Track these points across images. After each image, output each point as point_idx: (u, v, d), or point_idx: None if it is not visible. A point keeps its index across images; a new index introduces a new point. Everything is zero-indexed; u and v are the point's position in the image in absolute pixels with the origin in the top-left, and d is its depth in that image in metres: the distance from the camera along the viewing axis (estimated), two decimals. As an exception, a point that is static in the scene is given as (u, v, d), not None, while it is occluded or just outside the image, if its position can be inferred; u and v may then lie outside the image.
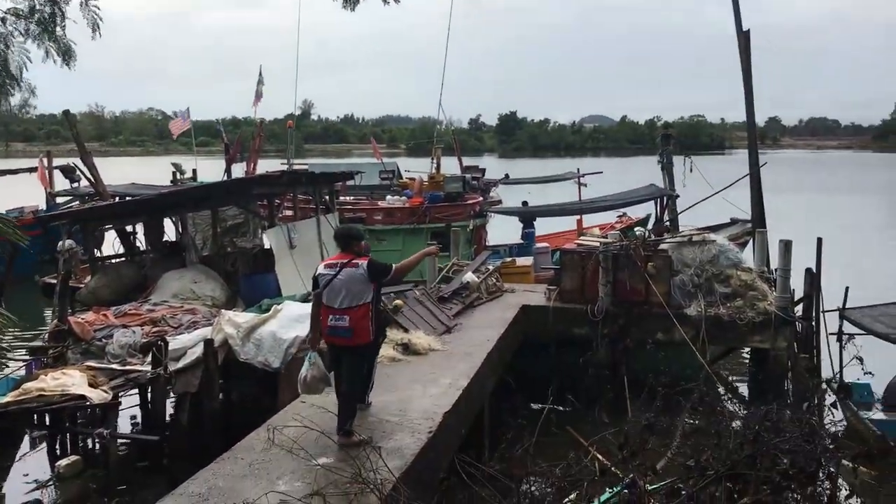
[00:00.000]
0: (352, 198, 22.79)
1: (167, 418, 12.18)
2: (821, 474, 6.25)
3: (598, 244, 14.48)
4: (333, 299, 7.88)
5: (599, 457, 9.61)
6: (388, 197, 21.93)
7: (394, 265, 8.26)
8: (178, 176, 27.28)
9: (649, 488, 7.12)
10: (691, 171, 20.21)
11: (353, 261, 7.99)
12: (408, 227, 20.57)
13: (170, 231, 18.68)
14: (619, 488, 7.21)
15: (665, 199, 17.35)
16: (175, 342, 11.75)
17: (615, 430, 7.18)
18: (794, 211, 34.32)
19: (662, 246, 14.53)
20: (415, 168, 28.81)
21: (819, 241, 12.78)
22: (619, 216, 25.95)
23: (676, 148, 20.16)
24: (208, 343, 11.41)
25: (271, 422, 8.33)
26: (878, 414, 12.49)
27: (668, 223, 18.30)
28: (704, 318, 13.57)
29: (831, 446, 6.12)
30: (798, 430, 6.42)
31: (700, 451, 7.13)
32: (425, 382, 9.99)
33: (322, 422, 7.89)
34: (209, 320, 13.07)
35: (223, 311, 12.94)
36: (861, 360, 8.36)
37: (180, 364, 11.47)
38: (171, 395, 11.97)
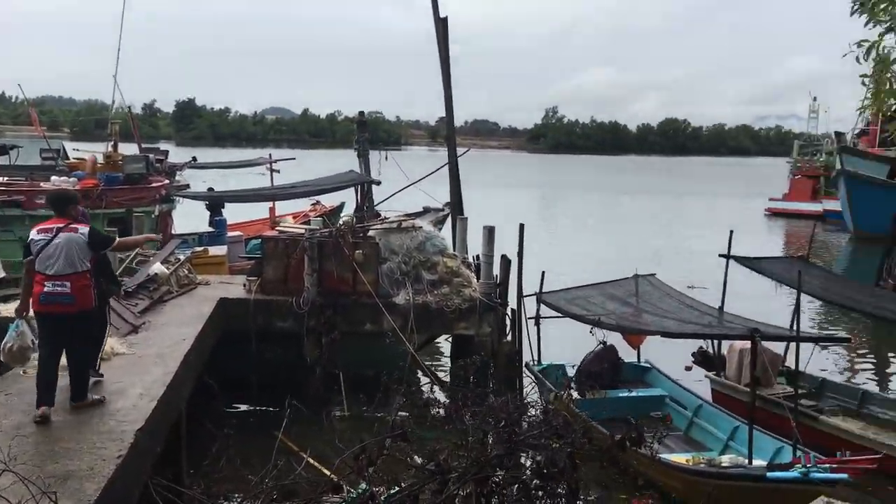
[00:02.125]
0: (5, 178, 19.37)
1: None
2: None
3: (303, 231, 13.51)
4: (50, 265, 7.45)
5: (315, 464, 8.73)
6: (54, 178, 18.89)
7: (117, 238, 8.01)
8: None
9: (385, 496, 6.39)
10: (386, 159, 20.11)
11: (72, 225, 7.64)
12: (79, 212, 17.83)
13: None
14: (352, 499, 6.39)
15: (365, 185, 16.87)
16: None
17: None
18: (482, 201, 36.17)
19: (370, 233, 13.96)
20: (84, 151, 25.49)
21: (521, 227, 13.02)
22: (313, 204, 25.19)
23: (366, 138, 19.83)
24: None
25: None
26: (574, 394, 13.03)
27: (366, 210, 17.89)
28: (412, 307, 13.26)
29: (583, 440, 5.81)
30: (546, 425, 6.07)
31: (438, 452, 6.56)
32: (111, 395, 8.31)
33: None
34: None
35: None
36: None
37: None
38: None
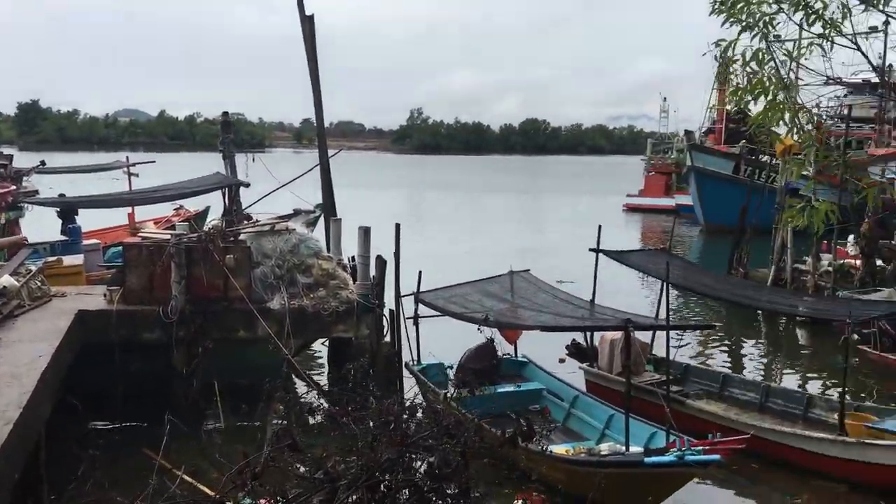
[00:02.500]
0: None
1: None
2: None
3: (168, 237, 12.87)
4: None
5: (192, 480, 8.32)
6: None
7: None
8: None
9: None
10: (253, 160, 19.55)
11: None
12: None
13: None
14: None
15: (233, 188, 16.29)
16: None
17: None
18: (352, 203, 35.79)
19: (241, 236, 13.47)
20: None
21: (397, 226, 12.91)
22: (176, 209, 24.15)
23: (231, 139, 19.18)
24: None
25: None
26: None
27: (234, 214, 17.27)
28: (288, 311, 12.90)
29: (475, 438, 5.76)
30: (437, 426, 5.99)
31: (325, 460, 6.36)
32: (-41, 420, 7.59)
33: None
34: None
35: None
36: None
37: None
38: None
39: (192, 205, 24.32)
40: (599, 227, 13.98)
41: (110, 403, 12.00)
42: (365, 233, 13.44)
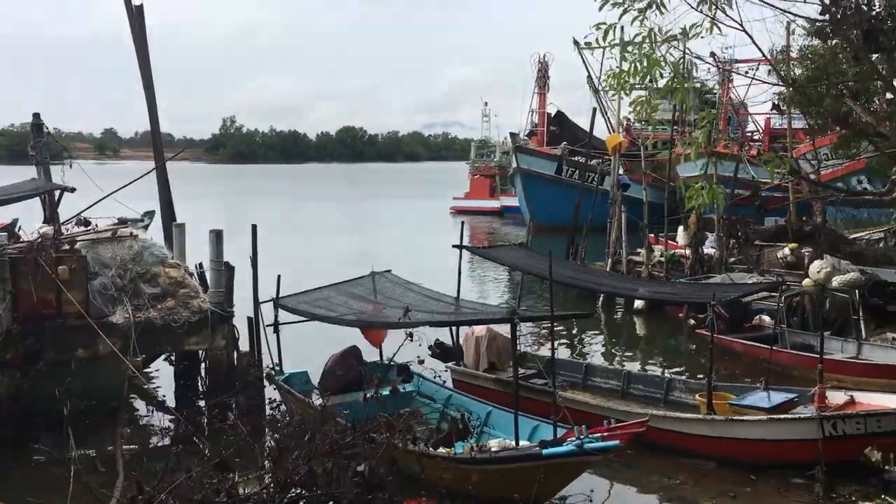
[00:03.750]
0: None
1: None
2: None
3: (-12, 247, 11.33)
4: None
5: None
6: None
7: None
8: None
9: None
10: (70, 167, 17.88)
11: None
12: None
13: None
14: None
15: (59, 193, 14.61)
16: None
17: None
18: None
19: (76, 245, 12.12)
20: None
21: (254, 228, 12.12)
22: (-21, 219, 21.69)
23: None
24: None
25: None
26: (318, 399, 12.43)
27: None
28: (134, 325, 11.75)
29: (409, 438, 5.31)
30: (359, 432, 5.47)
31: (222, 482, 5.67)
32: None
33: None
34: None
35: None
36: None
37: None
38: None
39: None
40: (462, 223, 13.88)
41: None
42: (217, 236, 12.51)
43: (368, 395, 12.10)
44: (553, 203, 37.84)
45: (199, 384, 13.49)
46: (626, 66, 7.82)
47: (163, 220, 15.13)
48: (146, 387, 13.72)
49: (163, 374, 14.80)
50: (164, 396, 12.87)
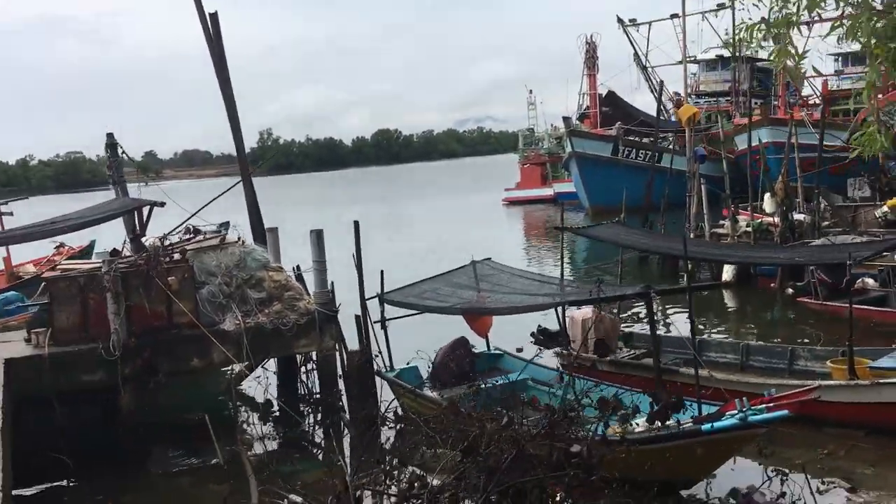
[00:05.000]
0: None
1: None
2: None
3: (99, 264, 11.29)
4: None
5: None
6: None
7: None
8: None
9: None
10: (146, 184, 17.97)
11: None
12: None
13: None
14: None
15: (149, 209, 14.54)
16: None
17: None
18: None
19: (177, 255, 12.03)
20: None
21: (356, 224, 11.91)
22: (57, 247, 21.90)
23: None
24: None
25: None
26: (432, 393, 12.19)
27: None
28: (244, 331, 11.61)
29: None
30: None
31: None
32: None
33: None
34: None
35: None
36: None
37: None
38: None
39: (73, 241, 22.07)
40: (563, 205, 13.52)
41: (58, 461, 10.31)
42: (318, 236, 12.29)
43: (484, 385, 11.94)
44: (611, 185, 37.15)
45: (302, 388, 13.34)
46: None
47: (252, 227, 14.97)
48: (254, 394, 13.58)
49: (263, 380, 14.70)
50: (280, 401, 12.66)
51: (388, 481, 5.14)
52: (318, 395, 12.62)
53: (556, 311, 13.18)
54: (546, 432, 4.94)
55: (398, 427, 7.73)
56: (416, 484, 4.66)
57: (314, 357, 12.68)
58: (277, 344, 11.98)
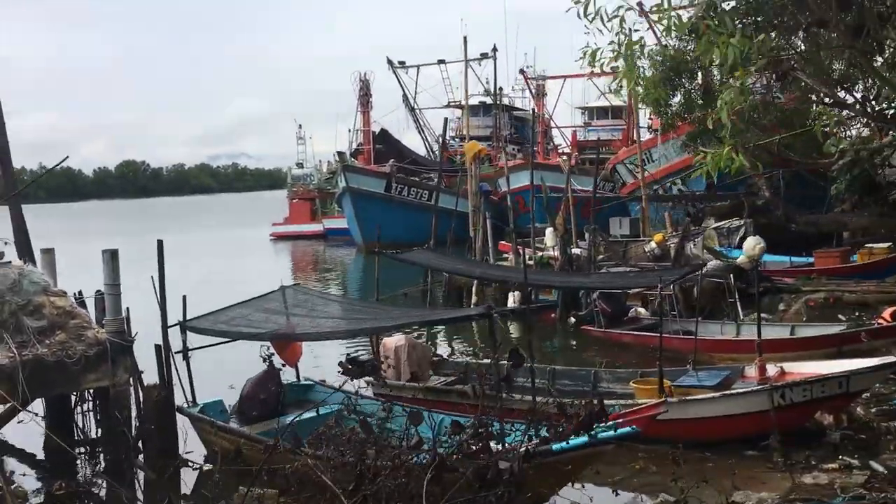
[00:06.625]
0: None
1: None
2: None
3: None
4: None
5: None
6: None
7: None
8: None
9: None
10: None
11: None
12: None
13: None
14: None
15: None
16: None
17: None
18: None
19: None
20: None
21: (160, 243, 10.73)
22: None
23: None
24: None
25: None
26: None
27: None
28: (20, 365, 9.99)
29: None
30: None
31: None
32: None
33: None
34: None
35: None
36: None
37: None
38: None
39: None
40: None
41: None
42: (112, 256, 10.93)
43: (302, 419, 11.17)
44: (385, 221, 37.44)
45: (77, 431, 11.84)
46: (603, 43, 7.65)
47: (18, 250, 13.00)
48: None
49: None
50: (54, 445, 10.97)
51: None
52: (101, 436, 11.15)
53: (371, 338, 12.78)
54: (469, 451, 4.53)
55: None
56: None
57: (91, 394, 11.25)
58: (62, 379, 10.41)
